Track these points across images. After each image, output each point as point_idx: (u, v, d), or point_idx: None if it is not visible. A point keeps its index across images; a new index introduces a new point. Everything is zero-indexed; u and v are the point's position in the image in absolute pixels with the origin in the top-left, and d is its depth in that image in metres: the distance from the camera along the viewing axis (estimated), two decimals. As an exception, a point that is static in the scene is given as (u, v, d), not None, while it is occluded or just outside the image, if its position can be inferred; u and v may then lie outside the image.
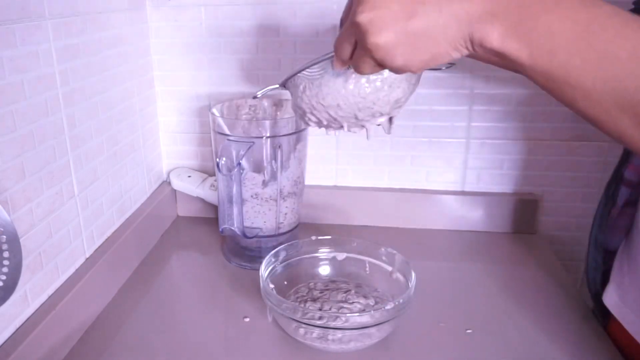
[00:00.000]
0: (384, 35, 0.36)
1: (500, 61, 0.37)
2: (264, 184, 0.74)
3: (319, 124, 0.52)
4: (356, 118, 0.50)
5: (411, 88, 0.50)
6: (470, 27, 0.35)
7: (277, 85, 0.55)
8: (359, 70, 0.42)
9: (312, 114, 0.51)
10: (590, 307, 0.67)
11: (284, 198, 0.76)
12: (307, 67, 0.49)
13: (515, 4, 0.34)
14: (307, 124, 0.53)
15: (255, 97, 0.67)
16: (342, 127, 0.52)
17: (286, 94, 0.85)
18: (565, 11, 0.33)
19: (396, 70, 0.38)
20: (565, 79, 0.34)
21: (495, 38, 0.34)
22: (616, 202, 0.60)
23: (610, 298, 0.58)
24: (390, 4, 0.35)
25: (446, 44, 0.36)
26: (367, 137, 0.53)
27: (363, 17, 0.36)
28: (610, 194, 0.61)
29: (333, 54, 0.44)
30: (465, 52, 0.37)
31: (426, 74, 0.84)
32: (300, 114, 0.53)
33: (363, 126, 0.52)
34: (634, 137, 0.34)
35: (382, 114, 0.50)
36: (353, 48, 0.41)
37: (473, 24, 0.35)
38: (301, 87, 0.50)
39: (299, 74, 0.50)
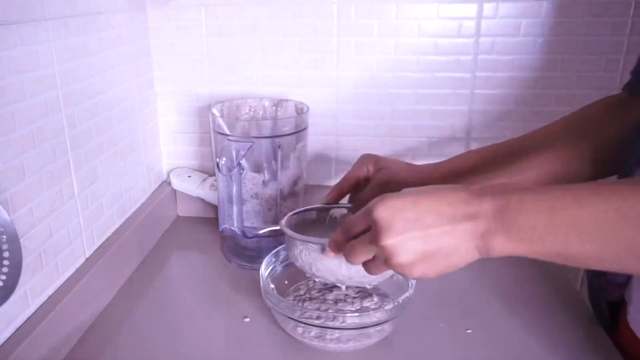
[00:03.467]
0: (406, 256, 0.43)
1: None
2: (264, 184, 0.74)
3: (305, 272, 0.58)
4: (342, 284, 0.57)
5: None
6: (477, 244, 0.41)
7: (278, 227, 0.60)
8: (370, 272, 0.49)
9: (302, 268, 0.58)
10: (590, 308, 0.67)
11: (284, 198, 0.76)
12: (306, 239, 0.54)
13: (497, 212, 0.40)
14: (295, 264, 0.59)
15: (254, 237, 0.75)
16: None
17: (286, 95, 0.86)
18: (531, 205, 0.39)
19: (413, 278, 0.45)
20: (561, 253, 0.40)
21: (497, 247, 0.41)
22: None
23: (634, 319, 0.57)
24: (411, 231, 0.42)
25: (458, 258, 0.43)
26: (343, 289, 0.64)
27: (389, 242, 0.42)
28: None
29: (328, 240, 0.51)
30: (475, 259, 0.43)
31: (426, 74, 0.84)
32: (291, 259, 0.59)
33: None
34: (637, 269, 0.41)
35: (366, 285, 0.59)
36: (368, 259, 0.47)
37: (477, 241, 0.41)
38: (297, 250, 0.56)
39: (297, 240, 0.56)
